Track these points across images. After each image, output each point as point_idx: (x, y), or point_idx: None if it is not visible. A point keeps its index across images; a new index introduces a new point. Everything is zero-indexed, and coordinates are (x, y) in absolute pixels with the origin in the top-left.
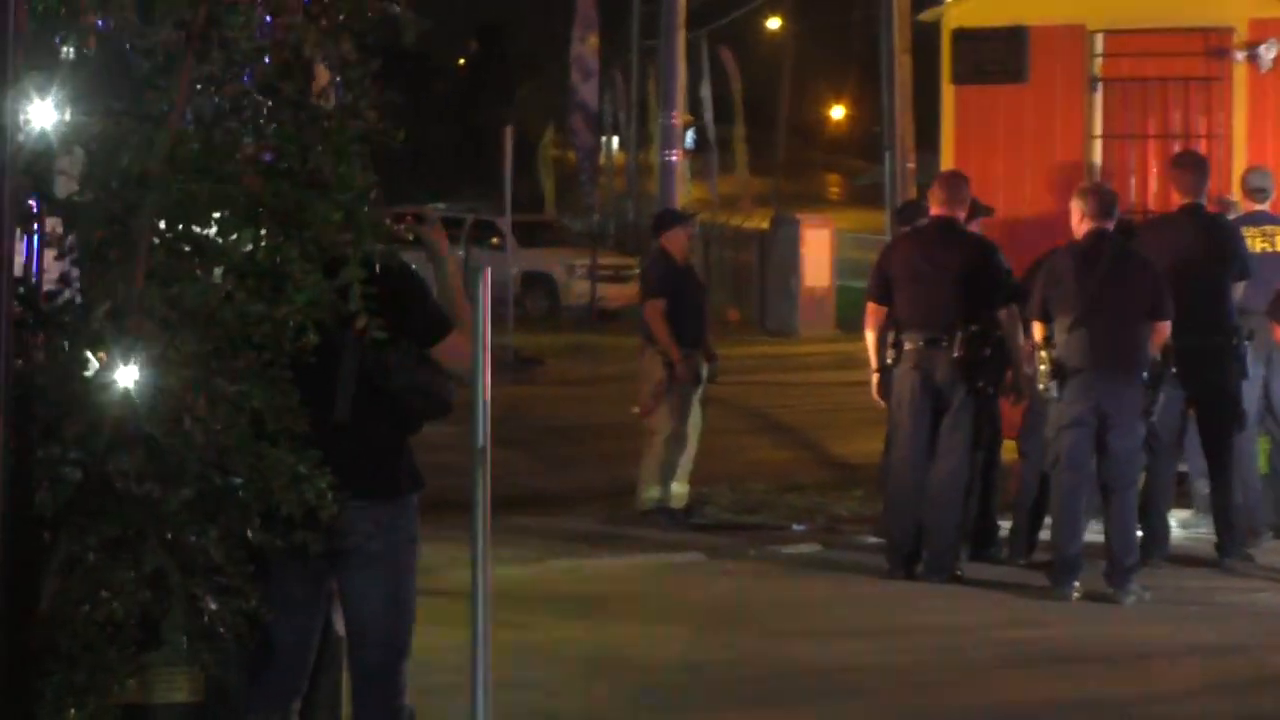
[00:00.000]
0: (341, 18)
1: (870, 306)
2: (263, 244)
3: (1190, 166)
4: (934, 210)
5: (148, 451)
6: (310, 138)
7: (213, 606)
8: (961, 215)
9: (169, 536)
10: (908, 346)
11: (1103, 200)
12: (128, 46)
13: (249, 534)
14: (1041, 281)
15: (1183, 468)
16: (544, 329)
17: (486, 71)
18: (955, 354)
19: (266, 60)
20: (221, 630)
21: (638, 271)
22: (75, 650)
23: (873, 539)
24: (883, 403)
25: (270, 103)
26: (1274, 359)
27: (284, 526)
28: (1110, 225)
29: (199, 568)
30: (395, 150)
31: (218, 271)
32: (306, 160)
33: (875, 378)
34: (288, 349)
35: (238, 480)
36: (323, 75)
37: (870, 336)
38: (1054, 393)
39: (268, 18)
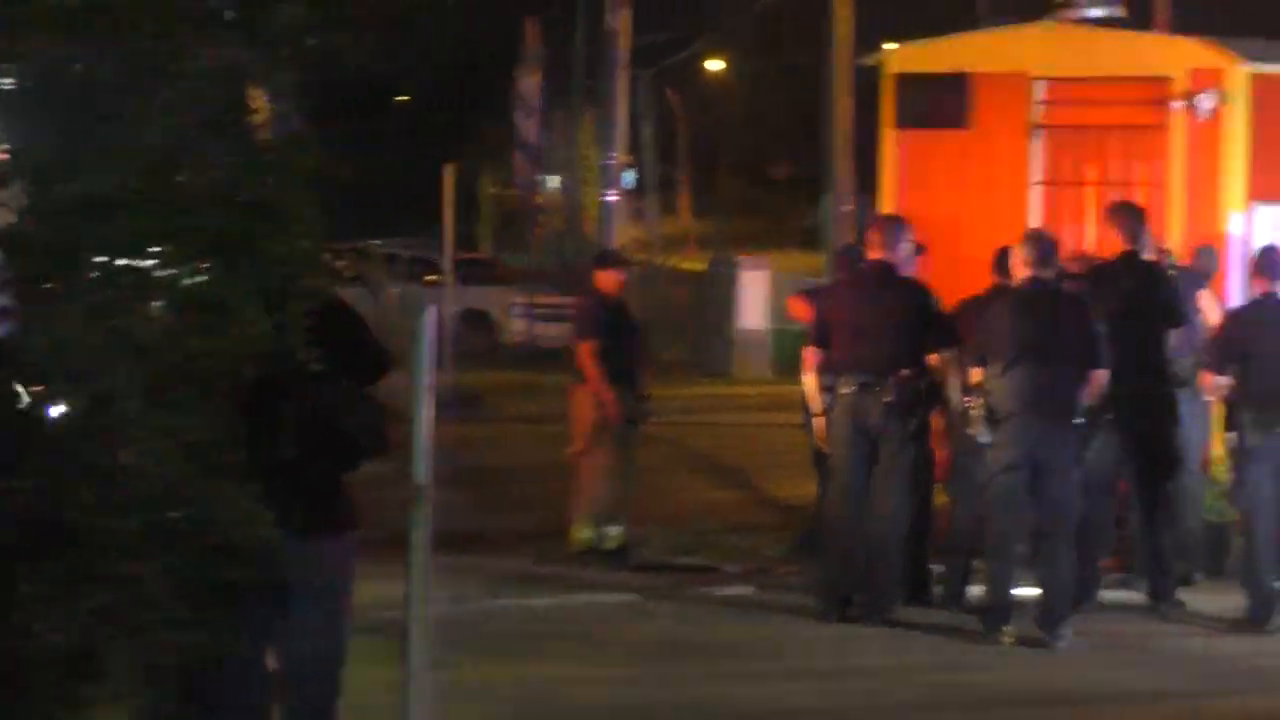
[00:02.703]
0: (286, 53)
1: (809, 350)
2: (206, 277)
3: (1126, 215)
4: (871, 254)
5: (93, 484)
6: (256, 170)
7: (157, 641)
8: (898, 259)
9: (116, 569)
10: (842, 391)
11: (1042, 248)
12: (75, 76)
13: (194, 568)
14: (978, 327)
15: None
16: (482, 367)
17: (428, 109)
18: (887, 398)
19: (212, 94)
20: (165, 664)
21: None
22: (19, 681)
23: (803, 583)
24: (828, 447)
25: (217, 134)
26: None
27: (226, 561)
28: (1049, 273)
29: (143, 601)
30: (337, 186)
31: (159, 304)
32: (252, 193)
33: (819, 422)
34: (230, 383)
35: (183, 514)
36: (267, 108)
37: (810, 380)
38: (987, 438)
39: (212, 52)
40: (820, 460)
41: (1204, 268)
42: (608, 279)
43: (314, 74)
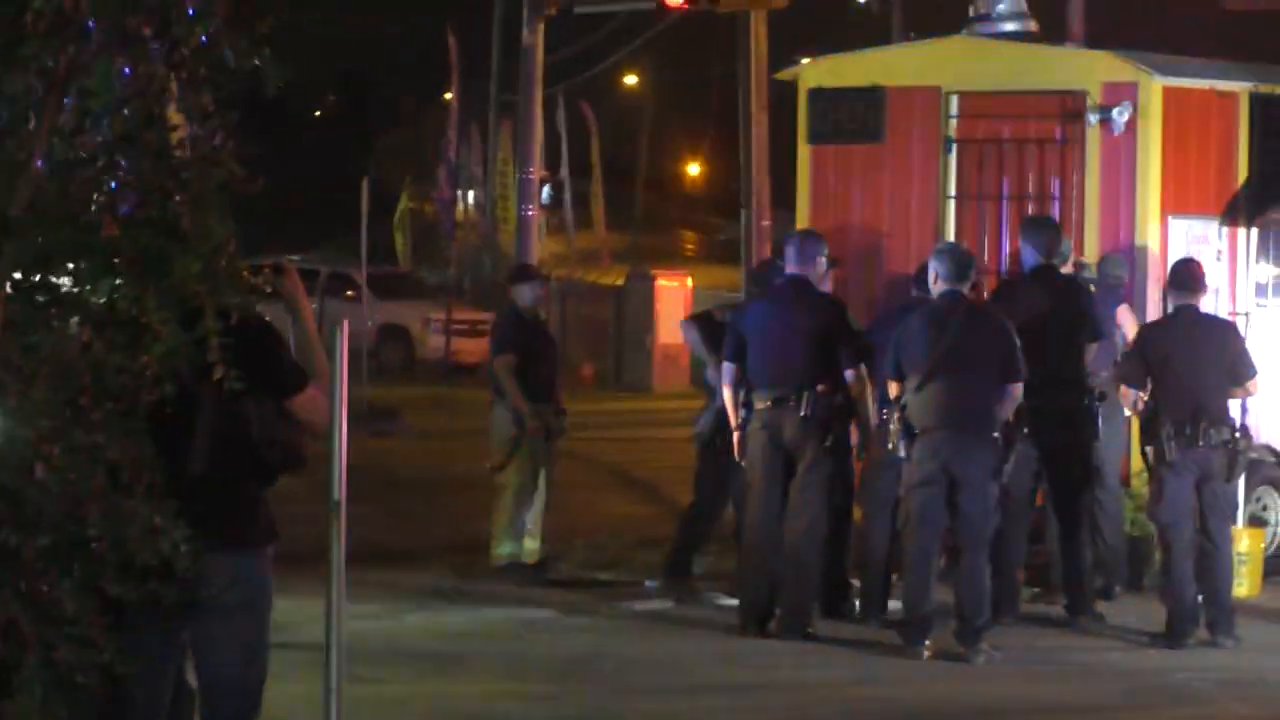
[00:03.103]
0: (203, 70)
1: (725, 365)
2: (120, 294)
3: (1042, 228)
4: (787, 269)
5: (3, 500)
6: (170, 187)
7: (68, 657)
8: (814, 275)
9: (23, 586)
10: (757, 406)
11: (958, 261)
12: None
13: (104, 584)
14: (895, 341)
15: None
16: (400, 382)
17: (346, 123)
18: (803, 413)
19: (127, 110)
20: (77, 681)
21: None
22: None
23: (724, 598)
24: (744, 462)
25: (131, 152)
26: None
27: (139, 577)
28: (964, 287)
29: (54, 618)
30: (253, 201)
31: (74, 321)
32: (166, 210)
33: (736, 436)
34: (145, 400)
35: (93, 530)
36: (183, 125)
37: (728, 395)
38: (903, 452)
39: (127, 69)
40: (703, 474)
41: (1114, 278)
42: (522, 293)
43: (231, 90)
